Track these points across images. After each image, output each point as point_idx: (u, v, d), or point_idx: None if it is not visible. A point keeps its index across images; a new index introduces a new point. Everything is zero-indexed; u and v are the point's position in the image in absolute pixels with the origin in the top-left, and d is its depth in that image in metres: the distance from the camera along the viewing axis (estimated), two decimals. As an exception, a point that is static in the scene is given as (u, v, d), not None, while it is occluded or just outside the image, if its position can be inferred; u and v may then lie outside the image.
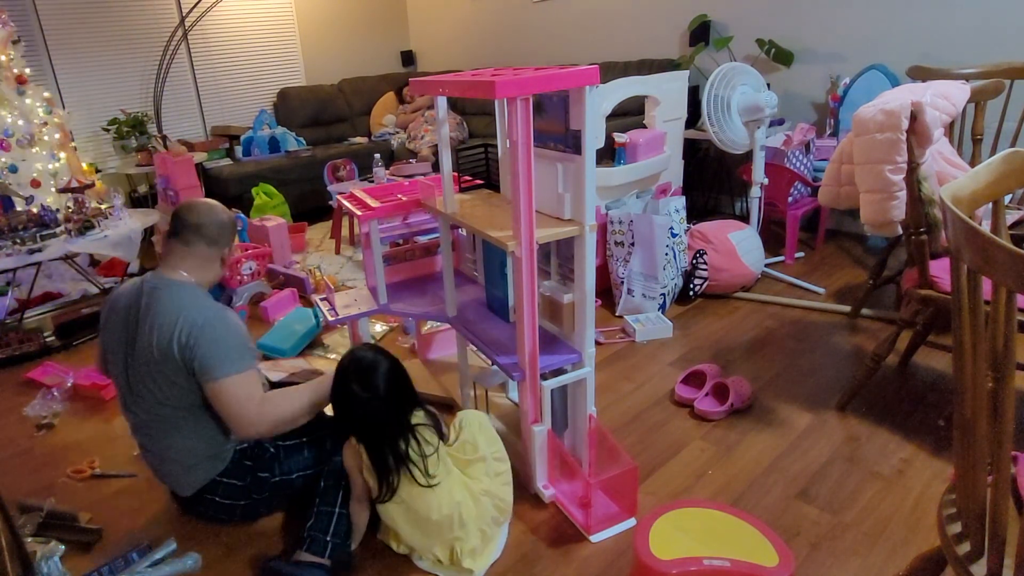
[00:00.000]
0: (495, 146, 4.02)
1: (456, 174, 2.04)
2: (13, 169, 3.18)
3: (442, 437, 1.56)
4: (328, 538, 1.51)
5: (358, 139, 5.23)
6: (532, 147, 1.42)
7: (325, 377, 1.62)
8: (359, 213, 1.94)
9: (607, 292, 2.89)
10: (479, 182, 2.03)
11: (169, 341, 1.49)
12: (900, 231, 1.83)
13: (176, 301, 1.54)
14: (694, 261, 2.83)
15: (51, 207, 3.09)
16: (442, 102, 1.75)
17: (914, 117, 1.67)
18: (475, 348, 1.99)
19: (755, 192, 3.07)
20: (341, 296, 2.17)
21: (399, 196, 2.07)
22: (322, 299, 2.18)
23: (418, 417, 1.54)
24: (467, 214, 1.72)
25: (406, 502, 1.49)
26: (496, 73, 1.49)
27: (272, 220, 3.67)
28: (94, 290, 3.33)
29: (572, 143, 1.50)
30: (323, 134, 5.22)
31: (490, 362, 2.22)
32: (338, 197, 2.66)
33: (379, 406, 1.48)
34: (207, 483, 1.63)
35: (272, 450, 1.64)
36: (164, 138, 4.55)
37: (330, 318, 2.03)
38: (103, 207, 3.14)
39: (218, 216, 1.66)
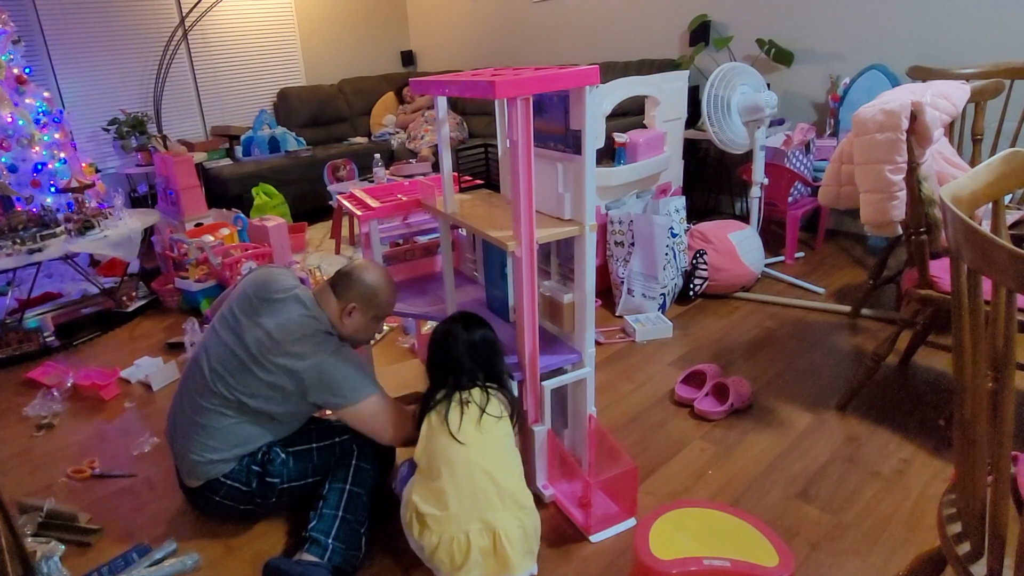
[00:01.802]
0: (495, 146, 4.02)
1: (456, 174, 2.04)
2: (13, 169, 3.18)
3: (513, 415, 1.54)
4: (330, 540, 1.51)
5: (358, 139, 5.23)
6: (532, 147, 1.42)
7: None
8: (359, 213, 1.94)
9: (607, 292, 2.89)
10: (479, 182, 2.03)
11: (292, 376, 1.55)
12: (900, 231, 1.83)
13: (313, 321, 1.59)
14: (694, 261, 2.83)
15: (51, 207, 3.09)
16: (442, 102, 1.75)
17: (914, 117, 1.67)
18: (475, 348, 1.99)
19: (755, 192, 3.07)
20: (341, 296, 2.17)
21: (399, 196, 2.07)
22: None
23: (493, 384, 1.55)
24: (467, 214, 1.72)
25: (441, 442, 1.45)
26: (496, 73, 1.49)
27: (272, 220, 3.66)
28: (94, 290, 3.33)
29: (572, 143, 1.50)
30: (323, 134, 5.22)
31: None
32: (338, 197, 2.66)
33: (464, 348, 1.52)
34: (210, 481, 1.62)
35: (283, 456, 1.64)
36: (164, 138, 4.55)
37: (330, 318, 2.02)
38: (103, 207, 3.15)
39: (356, 273, 1.69)
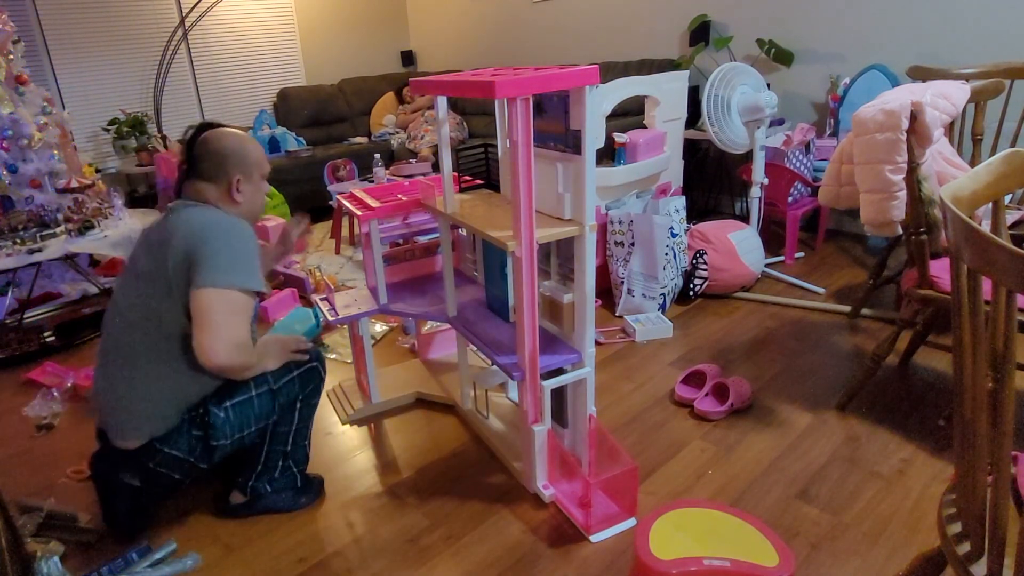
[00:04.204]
0: (495, 146, 4.02)
1: (456, 174, 2.04)
2: (13, 169, 3.18)
3: None
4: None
5: (358, 139, 5.23)
6: (532, 147, 1.42)
7: (288, 343, 1.64)
8: (359, 213, 1.94)
9: (607, 292, 2.89)
10: (479, 182, 2.03)
11: (181, 241, 1.43)
12: (900, 231, 1.84)
13: (198, 213, 1.49)
14: (694, 261, 2.83)
15: (51, 207, 3.09)
16: (442, 102, 1.75)
17: (914, 117, 1.67)
18: (475, 348, 1.99)
19: (755, 192, 3.07)
20: (341, 296, 2.17)
21: (399, 196, 2.07)
22: (322, 299, 2.18)
23: None
24: (467, 214, 1.72)
25: None
26: (496, 73, 1.49)
27: (272, 220, 3.66)
28: (94, 290, 3.33)
29: (572, 143, 1.50)
30: (323, 134, 5.22)
31: (490, 362, 2.22)
32: (338, 197, 2.66)
33: None
34: (144, 444, 1.52)
35: (222, 415, 1.54)
36: (164, 138, 4.55)
37: (330, 318, 2.03)
38: (103, 207, 3.15)
39: (213, 146, 1.56)
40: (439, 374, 2.35)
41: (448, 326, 2.47)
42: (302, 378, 1.64)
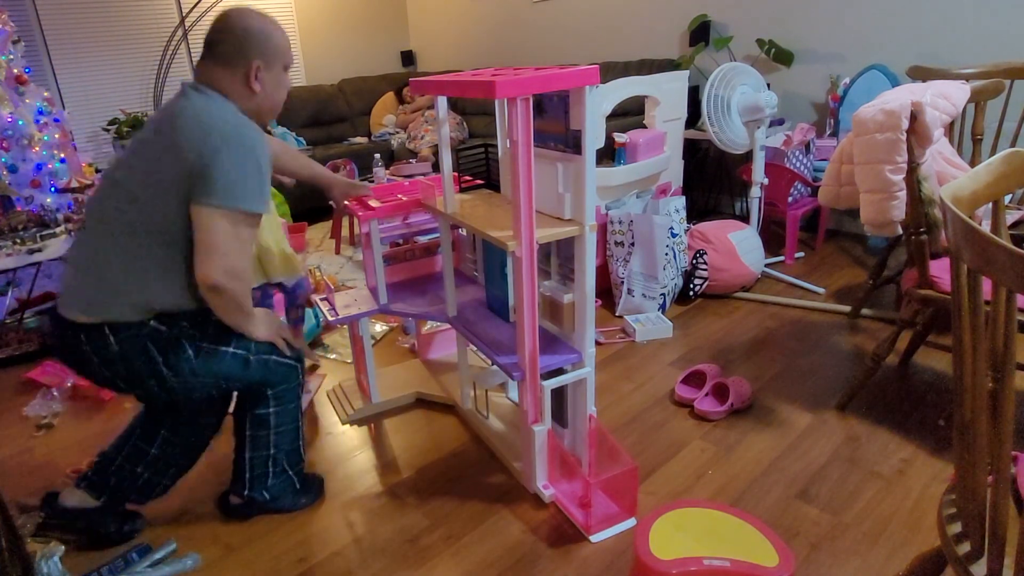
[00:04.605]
0: (495, 146, 4.02)
1: (456, 174, 2.04)
2: (13, 169, 3.18)
3: None
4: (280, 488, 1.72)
5: (358, 139, 5.23)
6: (532, 147, 1.42)
7: (284, 328, 1.62)
8: (359, 213, 1.95)
9: (607, 292, 2.89)
10: (479, 182, 2.03)
11: (188, 143, 1.33)
12: (900, 231, 1.84)
13: (209, 108, 1.38)
14: (694, 261, 2.83)
15: (51, 207, 3.09)
16: (442, 102, 1.75)
17: (914, 117, 1.67)
18: (475, 348, 1.99)
19: (755, 192, 3.07)
20: (341, 296, 2.18)
21: (399, 196, 2.07)
22: (322, 299, 2.19)
23: None
24: (467, 214, 1.72)
25: None
26: (496, 73, 1.49)
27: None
28: (94, 290, 3.33)
29: (572, 143, 1.50)
30: (323, 134, 5.22)
31: (490, 362, 2.22)
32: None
33: None
34: (94, 325, 1.39)
35: (190, 351, 1.45)
36: (164, 138, 4.55)
37: (330, 318, 2.03)
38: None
39: (233, 24, 1.44)
40: (439, 374, 2.35)
41: (448, 326, 2.47)
42: (277, 367, 1.58)
